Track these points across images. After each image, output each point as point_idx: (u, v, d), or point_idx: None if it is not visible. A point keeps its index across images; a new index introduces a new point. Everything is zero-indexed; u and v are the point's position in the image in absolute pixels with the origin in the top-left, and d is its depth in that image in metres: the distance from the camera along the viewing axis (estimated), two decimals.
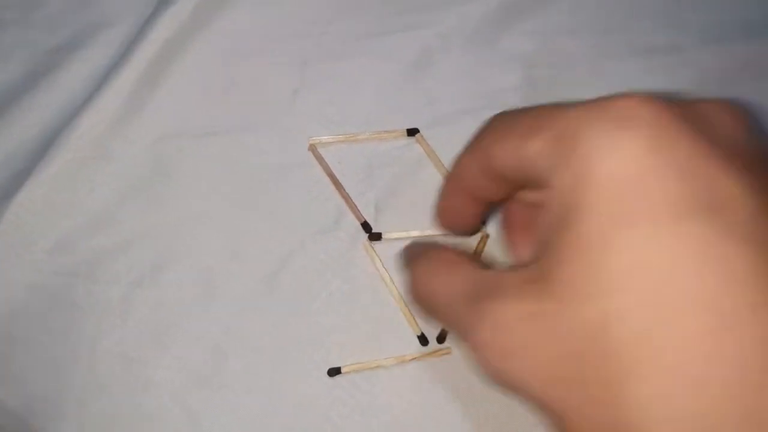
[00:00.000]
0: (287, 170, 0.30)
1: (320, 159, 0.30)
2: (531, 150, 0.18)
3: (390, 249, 0.29)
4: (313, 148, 0.30)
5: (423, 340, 0.28)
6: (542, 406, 0.17)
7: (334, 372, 0.27)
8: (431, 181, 0.30)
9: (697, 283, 0.15)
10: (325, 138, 0.31)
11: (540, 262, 0.17)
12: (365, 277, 0.29)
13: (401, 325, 0.28)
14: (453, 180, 0.22)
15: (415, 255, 0.22)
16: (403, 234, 0.29)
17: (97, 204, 0.30)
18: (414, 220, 0.29)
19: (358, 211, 0.29)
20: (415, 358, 0.28)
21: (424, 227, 0.29)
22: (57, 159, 0.30)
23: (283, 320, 0.28)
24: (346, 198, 0.30)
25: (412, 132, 0.30)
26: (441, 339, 0.28)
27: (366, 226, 0.29)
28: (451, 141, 0.30)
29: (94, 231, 0.29)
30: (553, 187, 0.17)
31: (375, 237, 0.29)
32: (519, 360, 0.17)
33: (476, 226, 0.25)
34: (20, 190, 0.29)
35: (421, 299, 0.21)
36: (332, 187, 0.30)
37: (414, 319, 0.28)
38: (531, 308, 0.16)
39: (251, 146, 0.31)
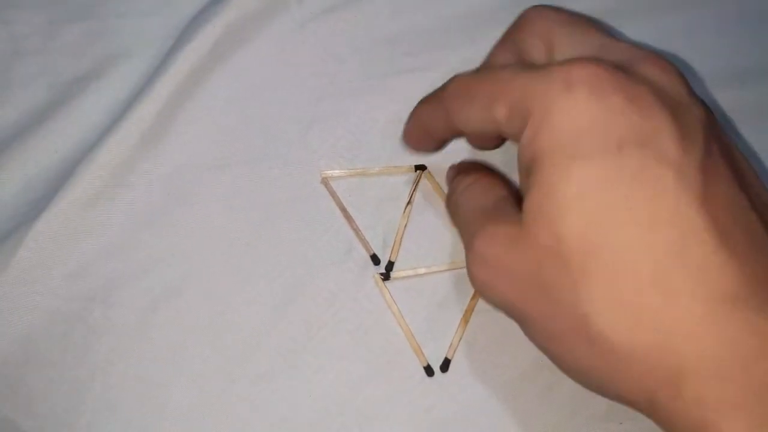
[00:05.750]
0: (299, 202, 0.32)
1: (332, 192, 0.31)
2: (496, 115, 0.21)
3: (400, 282, 0.30)
4: (325, 181, 0.32)
5: (429, 371, 0.29)
6: (514, 312, 0.22)
7: None
8: (438, 216, 0.31)
9: (629, 201, 0.19)
10: (337, 172, 0.32)
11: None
12: (374, 308, 0.30)
13: (408, 357, 0.29)
14: (416, 121, 0.27)
15: (460, 173, 0.27)
16: (411, 272, 0.30)
17: (113, 231, 0.31)
18: (421, 254, 0.31)
19: (368, 243, 0.31)
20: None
21: (431, 261, 0.30)
22: (76, 187, 0.30)
23: (292, 348, 0.29)
24: (357, 230, 0.31)
25: (419, 168, 0.32)
26: (444, 368, 0.29)
27: (375, 259, 0.31)
28: None
29: (110, 258, 0.30)
30: (519, 143, 0.21)
31: (385, 277, 0.30)
32: (495, 271, 0.22)
33: (438, 149, 0.28)
34: (39, 216, 0.30)
35: (450, 208, 0.26)
36: (342, 220, 0.31)
37: (420, 350, 0.29)
38: (508, 231, 0.21)
39: (265, 178, 0.32)
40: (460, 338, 0.30)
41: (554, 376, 0.29)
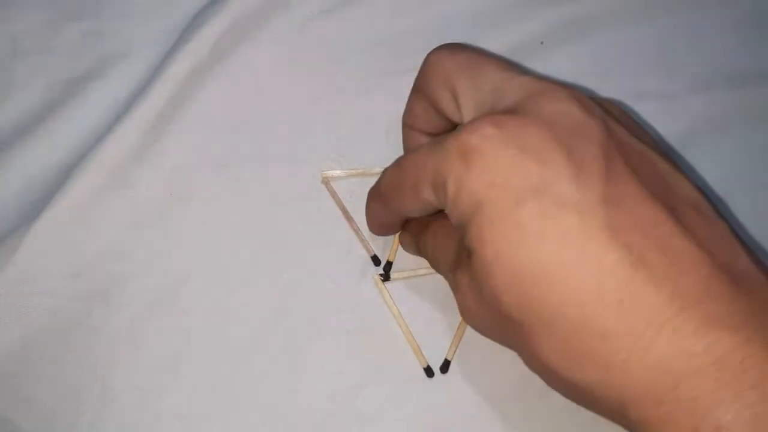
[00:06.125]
0: (299, 202, 0.32)
1: (332, 192, 0.31)
2: (425, 198, 0.23)
3: (400, 282, 0.30)
4: (326, 181, 0.32)
5: (429, 371, 0.29)
6: (498, 342, 0.24)
7: None
8: None
9: (539, 253, 0.19)
10: (337, 172, 0.32)
11: None
12: (373, 308, 0.30)
13: (408, 358, 0.29)
14: (371, 217, 0.29)
15: (419, 235, 0.28)
16: (411, 273, 0.30)
17: (114, 231, 0.31)
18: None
19: (368, 244, 0.31)
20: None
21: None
22: (76, 186, 0.30)
23: (293, 349, 0.29)
24: (357, 231, 0.31)
25: None
26: (444, 369, 0.29)
27: (375, 259, 0.31)
28: None
29: (110, 257, 0.30)
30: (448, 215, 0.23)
31: (385, 277, 0.30)
32: (474, 318, 0.24)
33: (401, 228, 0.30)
34: (40, 216, 0.30)
35: (431, 263, 0.27)
36: (343, 220, 0.31)
37: (420, 351, 0.29)
38: (469, 283, 0.22)
39: (265, 178, 0.32)
40: (460, 339, 0.30)
41: None
